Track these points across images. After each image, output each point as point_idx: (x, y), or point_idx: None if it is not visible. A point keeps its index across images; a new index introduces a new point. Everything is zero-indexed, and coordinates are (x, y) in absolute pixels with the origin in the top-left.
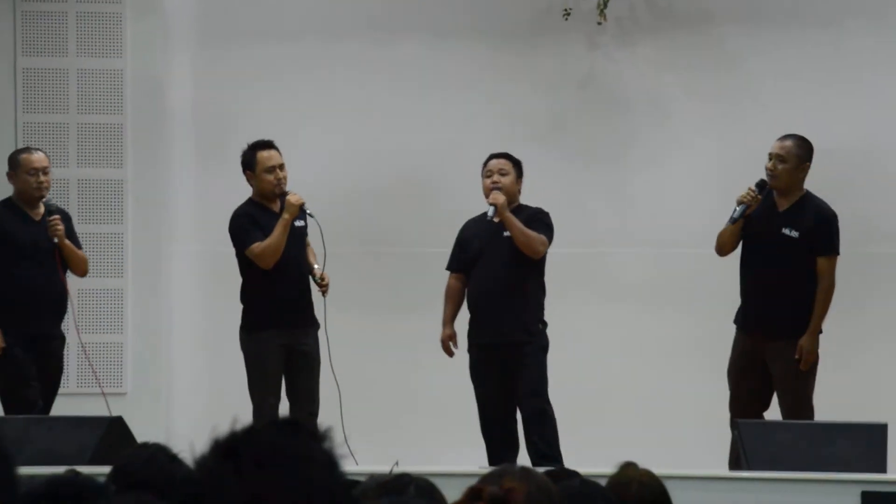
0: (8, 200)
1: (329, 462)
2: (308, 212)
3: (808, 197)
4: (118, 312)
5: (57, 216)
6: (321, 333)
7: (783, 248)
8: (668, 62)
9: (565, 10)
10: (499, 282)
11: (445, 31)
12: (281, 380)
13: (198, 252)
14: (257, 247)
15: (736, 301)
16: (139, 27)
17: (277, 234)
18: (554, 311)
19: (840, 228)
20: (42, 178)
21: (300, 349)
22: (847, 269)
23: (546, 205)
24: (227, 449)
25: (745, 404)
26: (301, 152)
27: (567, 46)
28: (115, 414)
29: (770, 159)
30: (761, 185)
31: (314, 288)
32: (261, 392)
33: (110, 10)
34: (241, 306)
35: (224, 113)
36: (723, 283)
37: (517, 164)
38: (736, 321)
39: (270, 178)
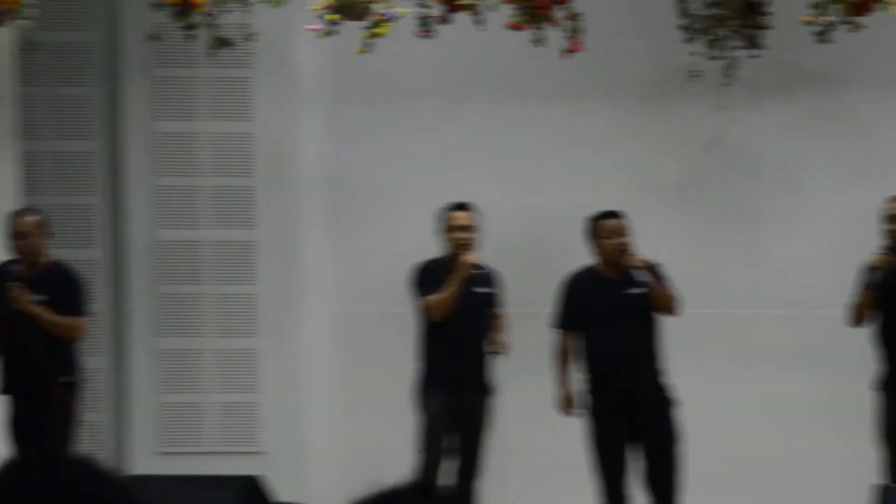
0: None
1: None
2: (481, 270)
3: None
4: (252, 372)
5: (17, 283)
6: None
7: None
8: (797, 124)
9: (692, 71)
10: (630, 340)
11: (573, 93)
12: (443, 439)
13: (331, 312)
14: (429, 298)
15: (870, 364)
16: (269, 89)
17: (447, 289)
18: (686, 374)
19: None
20: (19, 242)
21: (468, 411)
22: None
23: (675, 267)
24: None
25: None
26: (427, 212)
27: (694, 108)
28: (252, 474)
29: (890, 222)
30: (891, 248)
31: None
32: (422, 449)
33: (241, 74)
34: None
35: (354, 173)
36: (856, 345)
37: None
38: (876, 385)
39: (453, 236)
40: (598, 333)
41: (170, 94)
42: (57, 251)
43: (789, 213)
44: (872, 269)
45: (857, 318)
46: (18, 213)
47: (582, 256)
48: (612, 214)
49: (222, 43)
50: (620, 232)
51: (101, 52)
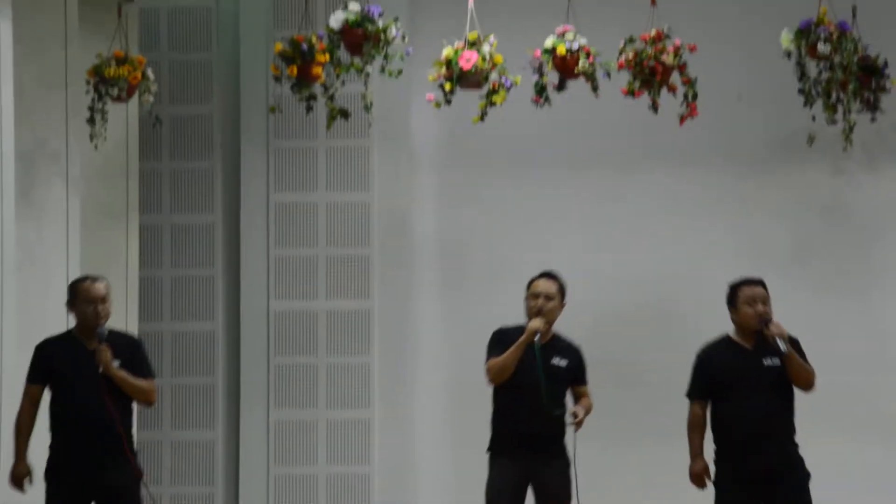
0: (67, 334)
1: None
2: (559, 341)
3: None
4: (366, 443)
5: (105, 344)
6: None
7: None
8: None
9: (810, 135)
10: (766, 412)
11: (688, 159)
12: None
13: (443, 379)
14: (490, 362)
15: None
16: (386, 159)
17: (508, 352)
18: (813, 442)
19: None
20: (100, 307)
21: (539, 480)
22: None
23: (794, 333)
24: None
25: None
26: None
27: (811, 173)
28: None
29: None
30: None
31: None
32: None
33: (359, 144)
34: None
35: (468, 240)
36: None
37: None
38: None
39: (530, 303)
40: (735, 403)
41: (288, 165)
42: (176, 323)
43: None
44: None
45: None
46: (92, 280)
47: (698, 323)
48: (753, 282)
49: (340, 114)
50: (762, 300)
51: (221, 125)
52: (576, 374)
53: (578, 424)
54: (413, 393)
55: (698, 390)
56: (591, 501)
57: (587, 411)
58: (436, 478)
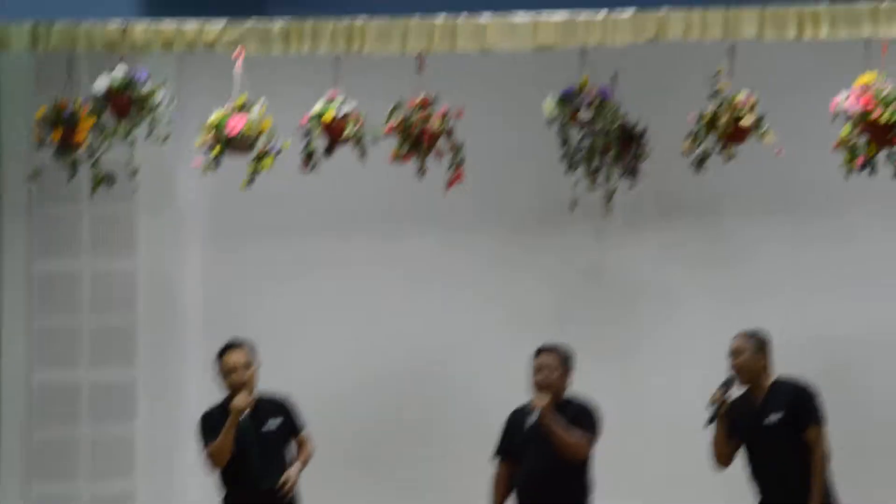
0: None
1: None
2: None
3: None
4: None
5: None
6: None
7: None
8: (674, 252)
9: (572, 200)
10: (541, 475)
11: (454, 224)
12: None
13: None
14: (209, 448)
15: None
16: (152, 225)
17: (221, 435)
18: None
19: None
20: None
21: None
22: None
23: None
24: None
25: None
26: (305, 350)
27: (573, 237)
28: None
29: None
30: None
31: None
32: None
33: (123, 209)
34: None
35: (234, 310)
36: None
37: (566, 359)
38: None
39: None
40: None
41: (50, 232)
42: None
43: (667, 341)
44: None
45: (719, 457)
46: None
47: (467, 392)
48: (543, 350)
49: (105, 180)
50: (545, 368)
51: None
52: (291, 427)
53: (290, 487)
54: (175, 465)
55: (500, 450)
56: None
57: (303, 465)
58: None
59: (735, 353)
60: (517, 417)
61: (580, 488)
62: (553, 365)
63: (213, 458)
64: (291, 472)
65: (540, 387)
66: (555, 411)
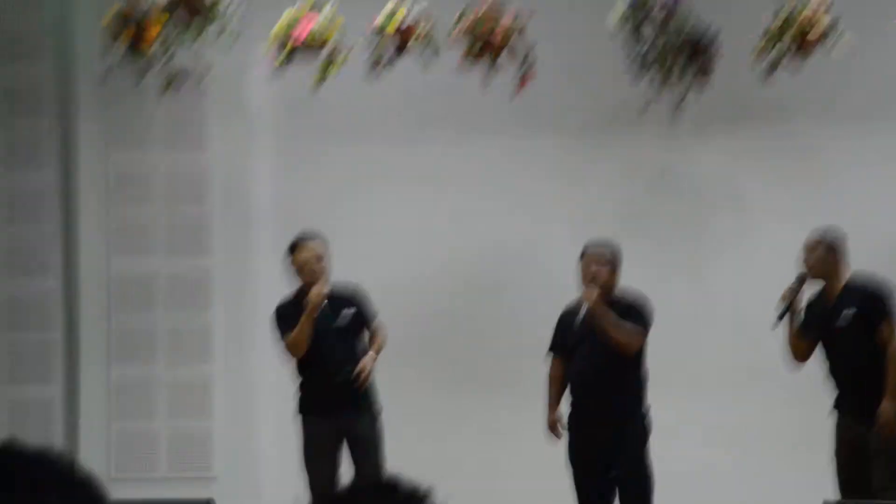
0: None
1: None
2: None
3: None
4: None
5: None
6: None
7: None
8: (745, 155)
9: (641, 105)
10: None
11: (520, 129)
12: (332, 465)
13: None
14: (286, 339)
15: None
16: (222, 125)
17: (298, 328)
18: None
19: None
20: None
21: (352, 435)
22: None
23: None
24: None
25: None
26: (373, 251)
27: (642, 142)
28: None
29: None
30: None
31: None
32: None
33: (193, 110)
34: None
35: (303, 208)
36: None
37: (613, 254)
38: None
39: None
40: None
41: (124, 127)
42: (10, 281)
43: (737, 243)
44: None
45: (795, 353)
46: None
47: (531, 290)
48: (593, 245)
49: (176, 80)
50: (596, 263)
51: (54, 88)
52: (364, 317)
53: (366, 377)
54: (253, 351)
55: (553, 346)
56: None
57: (377, 353)
58: (278, 434)
59: (808, 249)
60: (569, 314)
61: (633, 382)
62: (601, 261)
63: (293, 349)
64: (366, 360)
65: (588, 281)
66: (604, 305)
